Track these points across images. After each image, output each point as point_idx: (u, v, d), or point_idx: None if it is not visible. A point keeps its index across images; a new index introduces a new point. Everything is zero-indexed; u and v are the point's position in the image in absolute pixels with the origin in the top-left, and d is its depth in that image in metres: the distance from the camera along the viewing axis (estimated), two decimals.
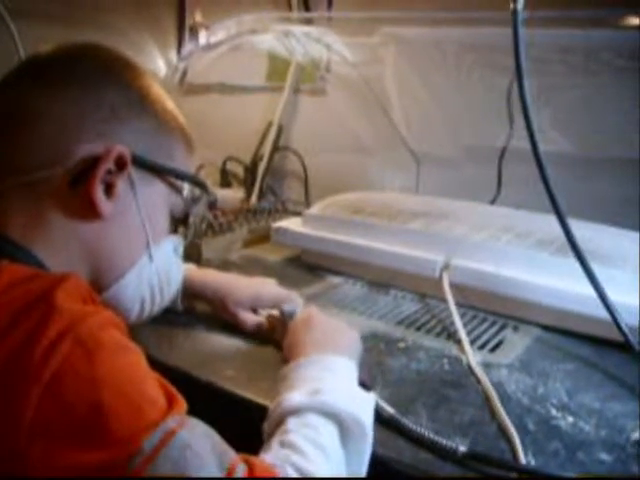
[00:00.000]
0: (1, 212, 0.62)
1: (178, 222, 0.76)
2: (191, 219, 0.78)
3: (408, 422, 0.68)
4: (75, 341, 0.49)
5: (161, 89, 0.71)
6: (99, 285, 0.65)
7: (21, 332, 0.49)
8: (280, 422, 0.62)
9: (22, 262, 0.58)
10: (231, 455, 0.53)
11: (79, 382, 0.48)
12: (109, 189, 0.63)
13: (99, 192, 0.62)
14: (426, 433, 0.66)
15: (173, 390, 0.54)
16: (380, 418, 0.69)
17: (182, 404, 0.53)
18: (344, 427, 0.61)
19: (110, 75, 0.66)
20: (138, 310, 0.72)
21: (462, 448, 0.64)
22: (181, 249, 0.78)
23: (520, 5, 0.74)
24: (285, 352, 0.78)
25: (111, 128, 0.64)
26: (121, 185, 0.64)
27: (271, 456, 0.57)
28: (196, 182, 0.75)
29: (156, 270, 0.71)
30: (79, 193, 0.62)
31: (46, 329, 0.49)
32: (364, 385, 0.72)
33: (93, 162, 0.62)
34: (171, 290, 0.76)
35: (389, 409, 0.70)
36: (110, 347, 0.51)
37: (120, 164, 0.63)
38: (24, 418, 0.46)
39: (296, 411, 0.62)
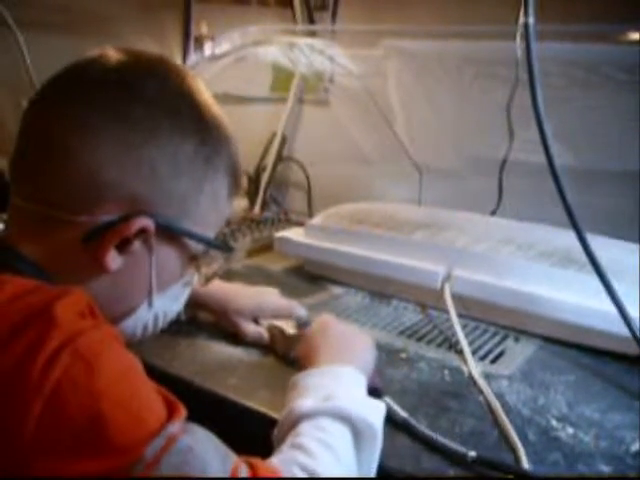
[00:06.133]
0: (17, 227, 0.62)
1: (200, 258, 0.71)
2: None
3: (420, 426, 0.70)
4: (74, 354, 0.49)
5: (223, 123, 0.66)
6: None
7: (21, 345, 0.49)
8: (292, 427, 0.62)
9: (29, 276, 0.57)
10: (233, 458, 0.53)
11: (79, 394, 0.48)
12: (124, 245, 0.60)
13: (110, 253, 0.59)
14: (437, 437, 0.68)
15: (172, 397, 0.54)
16: (393, 421, 0.71)
17: (182, 410, 0.53)
18: (357, 430, 0.62)
19: (161, 125, 0.60)
20: (127, 339, 0.69)
21: (472, 453, 0.65)
22: (194, 279, 0.73)
23: (532, 19, 0.75)
24: (301, 359, 0.78)
25: (145, 189, 0.60)
26: (138, 245, 0.61)
27: (279, 458, 0.58)
28: (221, 247, 0.71)
29: (154, 314, 0.68)
30: (91, 247, 0.59)
31: (45, 342, 0.49)
32: (376, 390, 0.73)
33: (113, 223, 0.59)
34: (167, 321, 0.73)
35: (402, 412, 0.72)
36: (108, 359, 0.51)
37: (142, 231, 0.60)
38: (26, 431, 0.46)
39: (309, 416, 0.62)
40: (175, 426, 0.51)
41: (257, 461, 0.55)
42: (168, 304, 0.70)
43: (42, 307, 0.52)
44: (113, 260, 0.60)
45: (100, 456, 0.47)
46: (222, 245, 0.71)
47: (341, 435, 0.61)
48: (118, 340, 0.55)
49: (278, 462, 0.57)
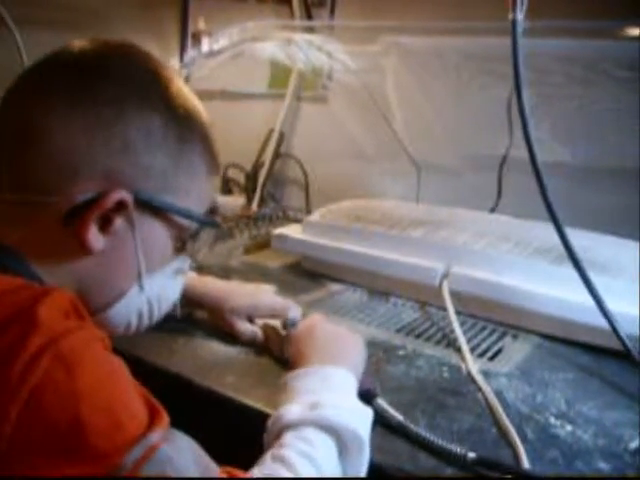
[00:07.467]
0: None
1: (186, 239, 0.70)
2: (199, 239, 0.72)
3: (417, 428, 0.69)
4: (55, 356, 0.48)
5: (193, 101, 0.66)
6: (86, 309, 0.61)
7: (2, 346, 0.48)
8: (278, 436, 0.62)
9: (13, 271, 0.57)
10: (214, 469, 0.53)
11: (59, 397, 0.47)
12: (105, 225, 0.60)
13: (91, 232, 0.59)
14: (435, 439, 0.67)
15: (156, 403, 0.53)
16: (388, 424, 0.70)
17: (164, 417, 0.53)
18: (342, 441, 0.61)
19: (130, 100, 0.61)
20: (123, 330, 0.69)
21: (471, 454, 0.64)
22: (187, 266, 0.73)
23: (519, 15, 0.75)
24: (290, 361, 0.77)
25: (120, 164, 0.60)
26: (119, 222, 0.61)
27: (260, 470, 0.57)
28: (206, 222, 0.70)
29: (147, 299, 0.67)
30: (72, 227, 0.59)
31: (26, 344, 0.48)
32: (369, 392, 0.73)
33: (91, 201, 0.59)
34: (162, 311, 0.72)
35: (398, 415, 0.71)
36: (91, 362, 0.50)
37: (121, 206, 0.60)
38: (3, 433, 0.46)
39: (294, 425, 0.62)
40: (156, 434, 0.50)
41: (239, 473, 0.55)
42: (162, 290, 0.69)
43: (24, 308, 0.51)
44: (96, 240, 0.60)
45: (78, 461, 0.47)
46: (206, 219, 0.70)
47: (325, 447, 0.60)
48: (103, 342, 0.54)
49: (259, 474, 0.56)
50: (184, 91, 0.66)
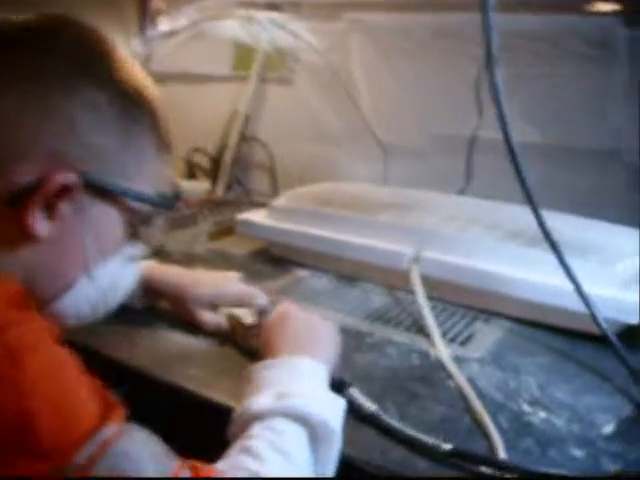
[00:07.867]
0: None
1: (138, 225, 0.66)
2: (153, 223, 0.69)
3: (390, 419, 0.67)
4: (1, 348, 0.46)
5: (141, 79, 0.63)
6: (34, 301, 0.58)
7: None
8: (244, 427, 0.60)
9: None
10: (174, 462, 0.51)
11: (5, 390, 0.45)
12: (51, 210, 0.56)
13: (35, 218, 0.55)
14: (408, 430, 0.65)
15: (111, 397, 0.52)
16: (360, 414, 0.68)
17: (119, 411, 0.51)
18: (313, 431, 0.59)
19: (77, 77, 0.57)
20: (76, 321, 0.66)
21: (445, 446, 0.62)
22: (140, 253, 0.69)
23: None
24: (260, 351, 0.75)
25: (65, 145, 0.56)
26: (66, 208, 0.57)
27: (226, 462, 0.55)
28: (158, 204, 0.66)
29: (99, 288, 0.64)
30: (15, 213, 0.55)
31: None
32: (342, 381, 0.71)
33: (35, 185, 0.55)
34: (117, 300, 0.69)
35: (371, 405, 0.69)
36: (40, 354, 0.48)
37: (66, 189, 0.56)
38: None
39: (261, 415, 0.60)
40: (110, 429, 0.48)
41: (201, 465, 0.52)
42: (114, 278, 0.66)
43: None
44: (40, 226, 0.56)
45: (29, 459, 0.45)
46: (158, 200, 0.65)
47: (295, 437, 0.58)
48: (51, 334, 0.52)
49: (225, 467, 0.54)
50: (131, 68, 0.63)
